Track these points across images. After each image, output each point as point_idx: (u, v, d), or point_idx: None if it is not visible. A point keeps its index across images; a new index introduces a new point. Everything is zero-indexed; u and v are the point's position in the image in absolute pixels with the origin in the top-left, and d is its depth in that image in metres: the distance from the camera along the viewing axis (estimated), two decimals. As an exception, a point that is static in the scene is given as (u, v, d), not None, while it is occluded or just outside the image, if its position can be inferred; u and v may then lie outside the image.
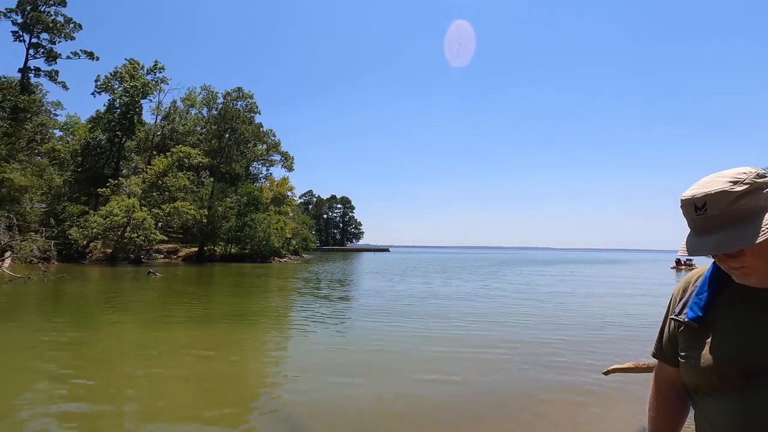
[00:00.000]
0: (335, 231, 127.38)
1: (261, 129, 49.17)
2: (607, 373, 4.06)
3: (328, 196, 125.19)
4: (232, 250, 40.69)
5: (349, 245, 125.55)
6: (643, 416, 4.13)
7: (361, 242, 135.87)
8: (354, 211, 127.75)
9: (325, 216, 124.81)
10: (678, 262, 39.41)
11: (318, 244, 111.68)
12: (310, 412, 4.36)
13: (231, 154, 45.39)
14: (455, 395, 4.92)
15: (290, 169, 55.75)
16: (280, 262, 41.31)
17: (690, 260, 40.12)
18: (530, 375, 5.65)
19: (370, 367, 6.02)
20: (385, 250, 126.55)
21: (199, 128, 46.93)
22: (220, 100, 46.97)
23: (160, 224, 38.95)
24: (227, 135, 44.16)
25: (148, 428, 4.01)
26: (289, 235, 48.07)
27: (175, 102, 47.27)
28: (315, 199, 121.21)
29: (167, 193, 35.74)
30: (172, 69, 52.07)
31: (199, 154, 37.28)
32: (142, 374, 5.64)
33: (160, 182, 35.16)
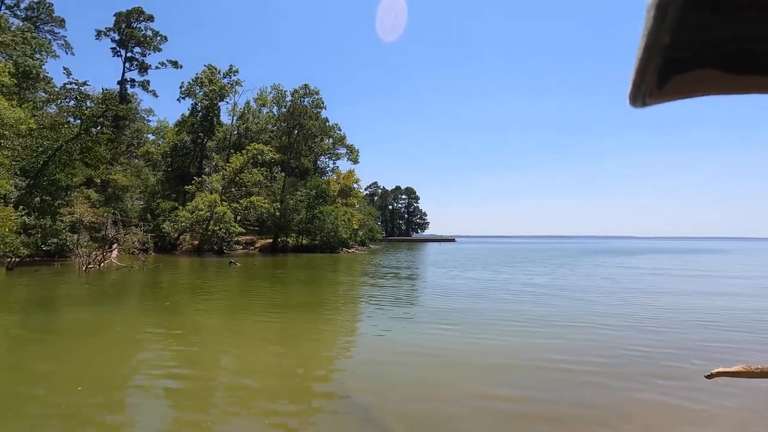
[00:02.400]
0: (400, 222, 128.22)
1: (327, 123, 50.65)
2: (710, 376, 3.63)
3: (393, 187, 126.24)
4: (303, 241, 42.64)
5: (414, 236, 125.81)
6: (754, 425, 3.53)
7: (427, 232, 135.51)
8: (419, 201, 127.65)
9: (390, 207, 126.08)
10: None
11: (384, 235, 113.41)
12: (378, 405, 4.43)
13: (300, 149, 47.40)
14: (526, 397, 4.72)
15: (355, 161, 56.89)
16: (347, 252, 42.56)
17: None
18: (619, 381, 5.26)
19: (436, 360, 5.98)
20: (451, 240, 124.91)
21: (270, 126, 49.54)
22: (289, 98, 49.12)
23: (238, 218, 41.94)
24: (296, 131, 46.10)
25: (231, 404, 4.34)
26: (356, 226, 49.26)
27: (248, 102, 50.34)
28: (380, 191, 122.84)
29: (244, 188, 38.26)
30: (244, 71, 55.36)
31: (271, 151, 39.34)
32: (227, 360, 6.11)
33: (237, 178, 37.71)
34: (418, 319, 9.01)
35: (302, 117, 44.58)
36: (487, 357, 6.04)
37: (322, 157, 59.68)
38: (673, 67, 0.35)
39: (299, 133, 46.52)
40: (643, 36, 0.34)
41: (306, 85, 49.37)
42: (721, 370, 3.88)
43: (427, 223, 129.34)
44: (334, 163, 59.72)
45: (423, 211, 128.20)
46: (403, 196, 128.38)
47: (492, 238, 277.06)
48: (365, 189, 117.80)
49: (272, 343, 6.92)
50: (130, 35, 40.48)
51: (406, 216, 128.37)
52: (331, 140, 54.61)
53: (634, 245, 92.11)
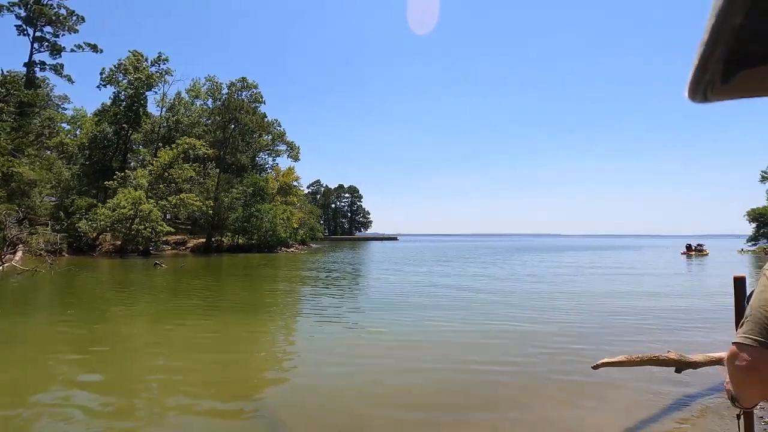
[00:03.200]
0: (343, 220, 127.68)
1: (266, 119, 49.00)
2: (596, 367, 3.89)
3: (336, 186, 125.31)
4: (240, 241, 40.95)
5: (357, 234, 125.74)
6: (635, 410, 3.74)
7: (370, 231, 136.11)
8: (362, 200, 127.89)
9: (333, 205, 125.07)
10: (689, 247, 38.73)
11: (326, 234, 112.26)
12: (313, 404, 4.29)
13: (236, 144, 45.42)
14: (449, 389, 4.79)
15: (296, 159, 55.70)
16: (287, 252, 41.51)
17: (701, 245, 39.45)
18: (520, 370, 5.50)
19: (369, 358, 5.92)
20: (393, 238, 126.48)
21: (203, 119, 46.96)
22: (225, 91, 46.88)
23: (167, 216, 39.33)
24: (232, 126, 44.09)
25: (157, 418, 3.97)
26: (296, 225, 48.19)
27: (179, 93, 47.33)
28: (323, 189, 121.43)
29: (173, 184, 35.92)
30: (176, 61, 52.01)
31: (203, 146, 37.32)
32: (150, 366, 5.62)
33: (166, 174, 35.31)
34: (351, 320, 8.91)
35: (239, 111, 42.69)
36: (411, 361, 6.07)
37: (261, 153, 57.74)
38: (742, 59, 0.31)
39: (235, 128, 44.54)
40: (711, 17, 0.30)
41: (244, 78, 47.41)
42: (606, 360, 4.17)
43: (370, 222, 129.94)
44: (273, 160, 58.03)
45: (366, 209, 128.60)
46: (346, 195, 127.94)
47: (433, 236, 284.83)
48: (307, 187, 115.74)
49: (201, 350, 6.47)
50: (39, 12, 36.39)
51: (349, 215, 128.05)
52: (270, 136, 52.95)
53: (564, 243, 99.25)
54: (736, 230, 61.03)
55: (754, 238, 53.95)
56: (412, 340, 6.95)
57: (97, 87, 38.88)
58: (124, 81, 38.31)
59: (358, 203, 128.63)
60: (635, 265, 26.99)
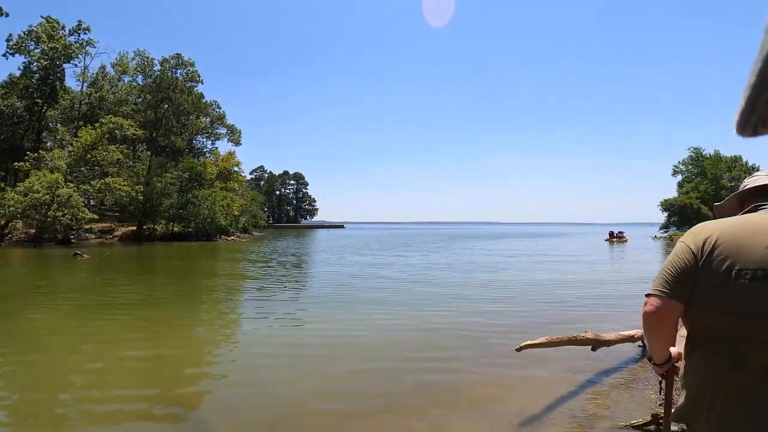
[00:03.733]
0: (288, 208, 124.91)
1: (203, 100, 46.22)
2: (519, 349, 4.05)
3: (281, 172, 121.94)
4: (175, 229, 38.66)
5: (303, 222, 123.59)
6: (554, 388, 3.87)
7: (316, 219, 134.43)
8: (308, 187, 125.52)
9: (277, 192, 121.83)
10: (611, 234, 42.18)
11: (270, 221, 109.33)
12: (244, 401, 4.08)
13: (170, 126, 42.51)
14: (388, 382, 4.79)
15: (237, 143, 53.29)
16: (227, 240, 39.81)
17: (621, 233, 43.23)
18: (451, 355, 5.63)
19: (303, 354, 5.77)
20: (339, 226, 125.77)
21: (132, 97, 43.34)
22: (157, 68, 43.53)
23: (91, 202, 36.13)
24: (164, 105, 41.11)
25: (84, 420, 3.56)
26: (237, 212, 46.34)
27: (104, 68, 43.23)
28: (267, 175, 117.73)
29: (98, 167, 32.97)
30: (101, 32, 47.41)
31: (132, 126, 34.52)
32: (68, 368, 5.06)
33: (89, 156, 32.28)
34: (289, 312, 8.67)
35: (172, 90, 39.85)
36: (350, 354, 6.01)
37: (199, 137, 54.66)
38: None
39: (169, 108, 41.60)
40: (758, 60, 0.30)
41: (178, 55, 44.30)
42: (528, 343, 4.35)
43: (317, 210, 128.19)
44: (212, 144, 55.17)
45: (312, 197, 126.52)
46: (292, 182, 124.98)
47: (380, 224, 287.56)
48: (250, 173, 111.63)
49: (126, 348, 5.91)
50: (-73, -35, 31.39)
51: (294, 202, 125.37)
52: (208, 119, 50.12)
53: (503, 230, 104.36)
54: (652, 219, 67.56)
55: (665, 226, 60.06)
56: (350, 332, 6.88)
57: (3, 56, 34.47)
58: (37, 50, 34.28)
59: (303, 190, 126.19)
60: (564, 251, 28.92)
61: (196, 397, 4.33)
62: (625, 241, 40.23)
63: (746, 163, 60.88)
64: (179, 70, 44.55)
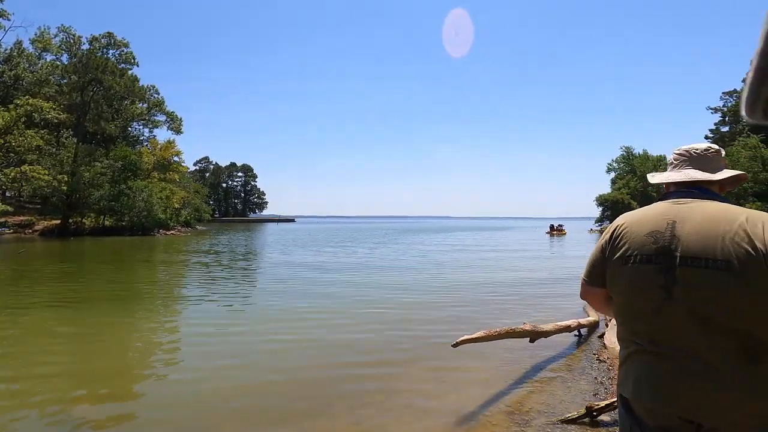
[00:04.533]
0: (236, 201, 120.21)
1: (138, 84, 42.87)
2: (456, 345, 3.85)
3: (228, 164, 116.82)
4: (106, 223, 35.70)
5: (251, 216, 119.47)
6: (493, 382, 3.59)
7: (266, 212, 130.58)
8: (257, 179, 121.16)
9: (224, 185, 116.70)
10: (552, 228, 44.37)
11: (217, 215, 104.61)
12: (185, 401, 3.61)
13: (100, 110, 39.00)
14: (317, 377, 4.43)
15: (178, 131, 50.06)
16: (166, 234, 37.37)
17: (561, 226, 45.65)
18: (388, 357, 5.40)
19: (230, 356, 5.27)
20: (290, 220, 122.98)
21: (55, 78, 39.28)
22: (86, 47, 39.73)
23: (6, 193, 32.44)
24: (93, 88, 37.66)
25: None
26: (177, 205, 43.65)
27: (20, 43, 38.77)
28: (213, 167, 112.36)
29: (13, 155, 29.57)
30: (16, 3, 42.53)
31: (54, 109, 31.21)
32: None
33: (2, 141, 28.84)
34: (221, 313, 8.06)
35: (101, 71, 36.52)
36: (280, 355, 5.59)
37: (135, 124, 50.82)
38: None
39: (98, 91, 38.17)
40: (762, 41, 0.29)
41: (110, 34, 40.76)
42: (465, 338, 4.18)
43: (266, 203, 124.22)
44: (150, 132, 51.48)
45: (261, 190, 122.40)
46: (239, 174, 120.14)
47: (332, 218, 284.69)
48: (194, 164, 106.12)
49: (44, 353, 5.12)
50: None
51: (242, 195, 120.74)
52: (145, 104, 46.63)
53: (452, 224, 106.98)
54: (589, 213, 72.01)
55: (600, 220, 64.25)
56: (283, 331, 6.46)
57: None
58: (-66, 19, 30.01)
59: (252, 183, 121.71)
60: (508, 244, 29.95)
61: (125, 399, 3.78)
62: (564, 234, 42.43)
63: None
64: (111, 51, 41.03)
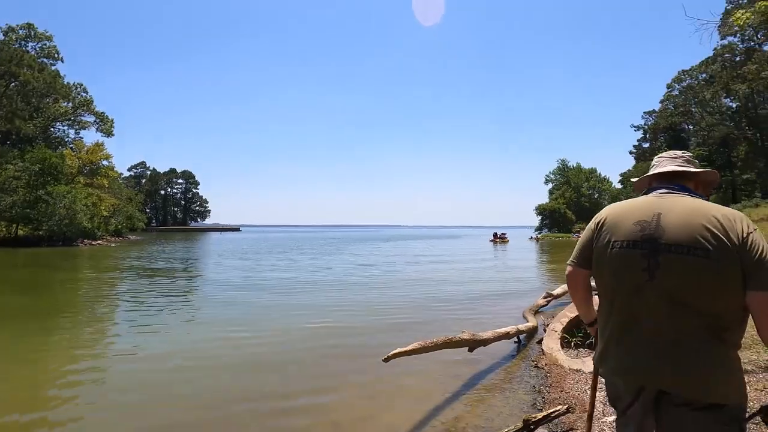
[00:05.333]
0: (176, 209, 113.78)
1: (60, 80, 39.29)
2: (387, 359, 3.52)
3: (167, 170, 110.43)
4: (20, 232, 32.06)
5: (193, 225, 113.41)
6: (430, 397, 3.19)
7: (210, 221, 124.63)
8: (198, 186, 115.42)
9: (162, 192, 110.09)
10: (495, 235, 45.92)
11: (154, 224, 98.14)
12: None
13: (14, 108, 35.19)
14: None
15: (108, 133, 46.41)
16: (92, 245, 34.20)
17: (504, 234, 47.39)
18: (317, 373, 4.98)
19: (145, 382, 4.58)
20: (235, 229, 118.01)
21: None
22: (0, 37, 35.81)
23: None
24: (4, 82, 33.99)
25: None
26: (105, 213, 40.27)
27: None
28: (150, 173, 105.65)
29: None
30: None
31: (-44, 104, 27.68)
32: None
33: None
34: (138, 335, 7.21)
35: (15, 63, 33.06)
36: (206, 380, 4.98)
37: (59, 124, 46.49)
38: None
39: (13, 87, 34.50)
40: None
41: (30, 25, 37.22)
42: (398, 351, 3.86)
43: (209, 211, 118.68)
44: (77, 134, 47.30)
45: (204, 197, 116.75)
46: (180, 181, 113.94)
47: (281, 227, 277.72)
48: (128, 170, 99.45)
49: None
50: None
51: (183, 203, 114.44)
52: (69, 103, 42.81)
53: (403, 233, 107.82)
54: (530, 222, 75.60)
55: (539, 228, 67.66)
56: (206, 352, 5.83)
57: None
58: None
59: (194, 190, 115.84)
60: (452, 252, 30.47)
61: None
62: (507, 241, 44.02)
63: (599, 174, 71.63)
64: (31, 44, 37.41)
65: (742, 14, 5.47)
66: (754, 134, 43.06)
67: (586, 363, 4.45)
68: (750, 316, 1.28)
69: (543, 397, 3.90)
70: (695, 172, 1.51)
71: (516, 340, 5.82)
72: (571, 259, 1.59)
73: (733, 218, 1.29)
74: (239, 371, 4.85)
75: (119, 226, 44.73)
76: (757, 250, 1.24)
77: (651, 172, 1.58)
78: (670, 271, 1.29)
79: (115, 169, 47.24)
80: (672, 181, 1.50)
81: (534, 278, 14.68)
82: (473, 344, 4.46)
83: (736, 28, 28.03)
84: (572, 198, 67.20)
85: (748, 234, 1.26)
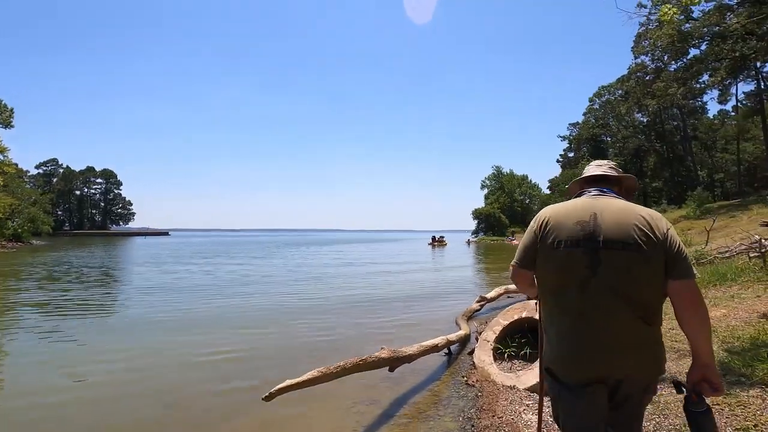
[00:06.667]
0: (94, 211, 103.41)
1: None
2: (269, 397, 2.66)
3: (84, 168, 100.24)
4: None
5: (114, 228, 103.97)
6: None
7: (137, 225, 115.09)
8: (121, 187, 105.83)
9: (78, 192, 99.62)
10: (433, 239, 46.46)
11: (68, 227, 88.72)
12: None
13: None
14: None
15: (6, 124, 40.69)
16: (-20, 251, 29.49)
17: (442, 237, 48.11)
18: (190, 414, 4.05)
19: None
20: (164, 234, 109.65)
21: None
22: None
23: None
24: None
25: None
26: (1, 215, 35.16)
27: None
28: (63, 171, 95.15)
29: None
30: None
31: None
32: None
33: None
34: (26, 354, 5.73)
35: None
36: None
37: (-57, 111, 40.00)
38: None
39: None
40: None
41: None
42: (287, 384, 3.00)
43: (133, 214, 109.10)
44: (-35, 123, 40.92)
45: (127, 199, 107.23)
46: (99, 180, 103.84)
47: (216, 231, 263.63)
48: (36, 167, 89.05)
49: None
50: None
51: (102, 205, 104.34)
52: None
53: (343, 236, 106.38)
54: (468, 226, 77.81)
55: (476, 232, 69.89)
56: (90, 376, 4.64)
57: None
58: None
59: (115, 191, 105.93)
60: (389, 255, 30.10)
61: None
62: (445, 244, 44.63)
63: (530, 181, 75.69)
64: None
65: (669, 9, 5.37)
66: (662, 147, 47.56)
67: (521, 378, 3.93)
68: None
69: (473, 426, 3.28)
70: (619, 178, 1.69)
71: (446, 351, 5.25)
72: (515, 260, 1.62)
73: (656, 217, 1.46)
74: (92, 419, 3.76)
75: (19, 230, 39.34)
76: (676, 244, 1.42)
77: (582, 176, 1.72)
78: (610, 266, 1.40)
79: (15, 164, 41.59)
80: (600, 185, 1.63)
81: (469, 281, 14.49)
82: (394, 363, 3.77)
83: (647, 46, 30.62)
84: (506, 203, 70.18)
85: (668, 230, 1.44)
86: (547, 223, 1.52)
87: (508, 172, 75.61)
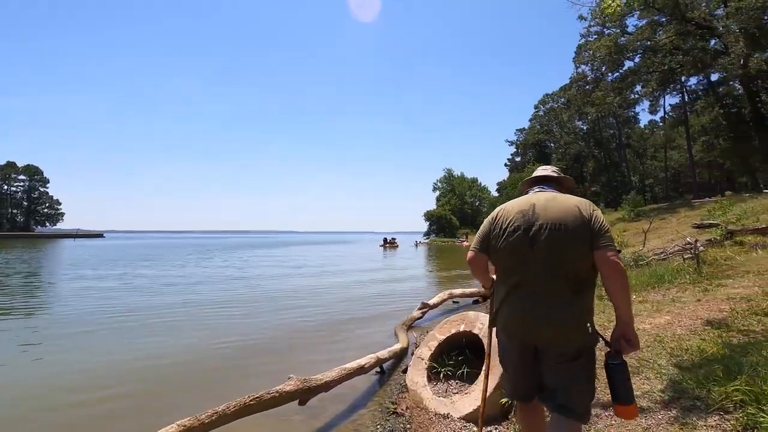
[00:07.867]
0: (15, 211, 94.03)
1: None
2: None
3: (4, 163, 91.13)
4: None
5: (39, 230, 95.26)
6: None
7: (67, 226, 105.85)
8: (48, 185, 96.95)
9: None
10: (385, 240, 46.14)
11: (-20, 229, 79.65)
12: None
13: None
14: None
15: None
16: None
17: (394, 239, 47.92)
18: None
19: None
20: (98, 235, 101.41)
21: None
22: None
23: None
24: None
25: None
26: None
27: None
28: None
29: None
30: None
31: None
32: None
33: None
34: None
35: None
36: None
37: None
38: None
39: None
40: None
41: None
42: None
43: (62, 214, 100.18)
44: None
45: (55, 198, 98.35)
46: (21, 177, 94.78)
47: (159, 233, 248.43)
48: (-59, 160, 79.03)
49: None
50: None
51: (25, 204, 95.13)
52: None
53: (293, 238, 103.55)
54: (420, 227, 78.47)
55: (428, 233, 70.56)
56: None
57: None
58: None
59: (41, 189, 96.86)
60: (342, 258, 29.28)
61: None
62: (396, 246, 44.39)
63: (480, 183, 77.68)
64: None
65: (612, 2, 5.13)
66: (600, 153, 50.32)
67: (456, 405, 3.39)
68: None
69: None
70: (559, 178, 2.05)
71: (378, 370, 4.63)
72: (473, 245, 1.94)
73: (585, 203, 1.77)
74: None
75: None
76: (600, 221, 1.71)
77: (529, 177, 2.07)
78: (545, 246, 1.70)
79: None
80: (543, 184, 2.01)
81: (417, 285, 14.00)
82: (304, 395, 3.09)
83: (587, 57, 32.14)
84: (457, 205, 71.46)
85: (594, 211, 1.74)
86: (498, 215, 1.89)
87: (459, 174, 77.13)
